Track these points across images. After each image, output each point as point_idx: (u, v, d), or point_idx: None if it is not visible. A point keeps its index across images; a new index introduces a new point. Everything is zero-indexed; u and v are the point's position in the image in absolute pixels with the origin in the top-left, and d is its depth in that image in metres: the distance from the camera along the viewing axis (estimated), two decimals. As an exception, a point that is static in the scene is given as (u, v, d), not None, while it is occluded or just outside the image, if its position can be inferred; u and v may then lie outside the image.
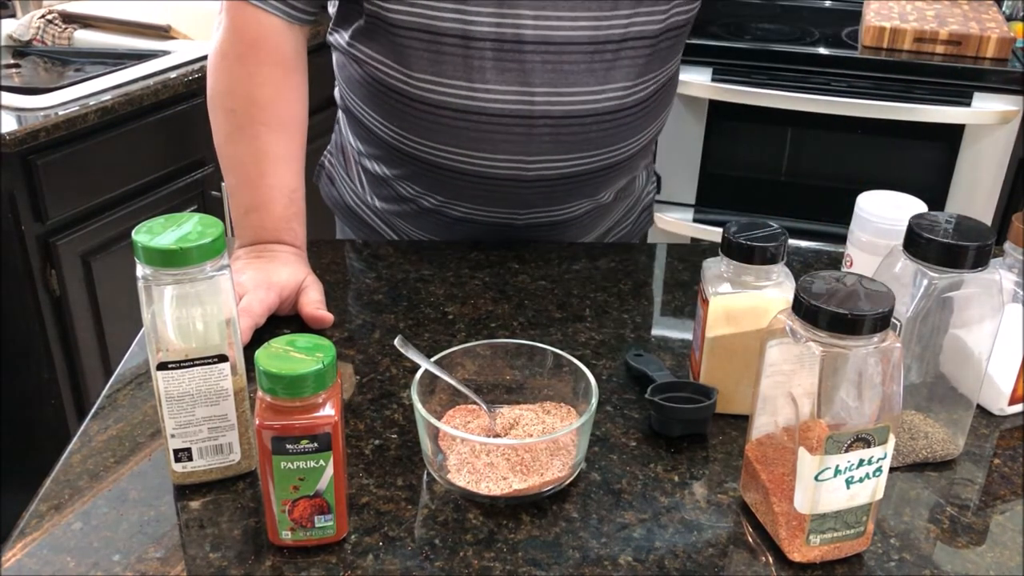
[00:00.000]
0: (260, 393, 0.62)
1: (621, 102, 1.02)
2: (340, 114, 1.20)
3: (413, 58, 0.98)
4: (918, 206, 0.86)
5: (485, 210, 1.09)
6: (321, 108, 1.23)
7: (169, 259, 0.64)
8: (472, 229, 1.12)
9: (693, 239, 2.35)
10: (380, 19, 0.98)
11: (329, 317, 0.93)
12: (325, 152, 1.26)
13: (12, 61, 2.02)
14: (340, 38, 1.06)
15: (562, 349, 0.79)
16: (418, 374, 0.75)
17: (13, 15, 2.18)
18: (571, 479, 0.73)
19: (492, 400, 0.80)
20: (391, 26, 0.97)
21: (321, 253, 1.08)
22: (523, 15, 0.95)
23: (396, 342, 0.78)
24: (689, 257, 1.13)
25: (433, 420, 0.71)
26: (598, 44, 0.98)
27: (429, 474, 0.74)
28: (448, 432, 0.73)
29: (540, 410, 0.79)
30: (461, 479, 0.71)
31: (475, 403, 0.78)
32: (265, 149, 0.97)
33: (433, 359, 0.77)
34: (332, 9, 1.07)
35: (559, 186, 1.06)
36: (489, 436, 0.76)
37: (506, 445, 0.73)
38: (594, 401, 0.72)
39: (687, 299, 1.02)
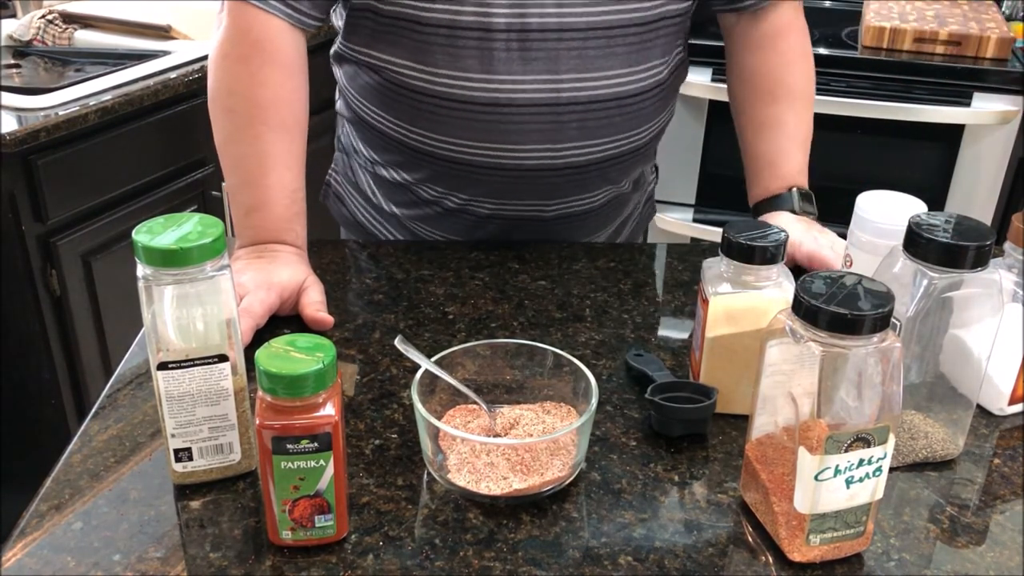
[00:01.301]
0: (260, 393, 0.62)
1: (642, 84, 1.05)
2: (346, 128, 1.20)
3: (438, 55, 0.99)
4: (918, 206, 0.86)
5: (514, 204, 1.09)
6: (320, 110, 1.23)
7: (169, 259, 0.64)
8: (500, 226, 1.12)
9: (693, 239, 2.34)
10: (404, 19, 0.98)
11: (329, 319, 0.93)
12: (329, 171, 1.27)
13: (12, 61, 2.02)
14: (353, 48, 1.06)
15: (562, 349, 0.79)
16: (418, 374, 0.75)
17: (13, 15, 2.18)
18: (571, 479, 0.73)
19: (492, 400, 0.80)
20: (416, 24, 0.98)
21: (321, 253, 1.08)
22: (545, 3, 0.96)
23: (396, 342, 0.78)
24: (689, 257, 1.13)
25: (433, 420, 0.71)
26: (621, 28, 1.00)
27: (429, 474, 0.74)
28: (448, 432, 0.73)
29: (540, 410, 0.79)
30: (461, 479, 0.71)
31: (475, 403, 0.78)
32: (267, 149, 0.97)
33: (433, 359, 0.77)
34: (340, 22, 1.07)
35: (586, 173, 1.08)
36: (489, 436, 0.76)
37: (506, 445, 0.73)
38: (594, 401, 0.72)
39: (687, 299, 1.02)
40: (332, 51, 1.13)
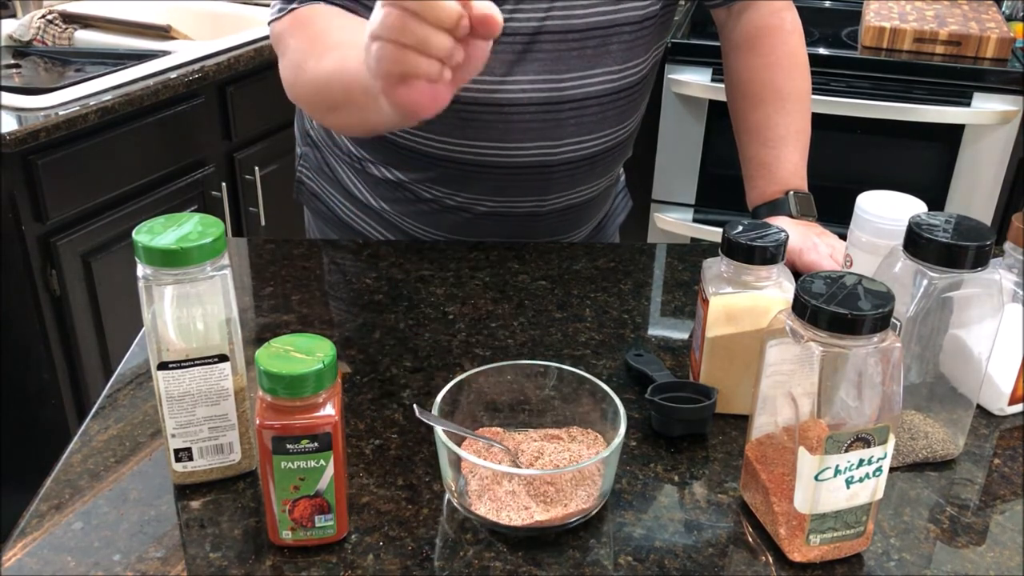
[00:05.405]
0: (260, 393, 0.62)
1: (633, 79, 1.07)
2: (317, 124, 1.17)
3: None
4: (918, 206, 0.86)
5: (512, 201, 1.10)
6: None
7: (169, 259, 0.64)
8: (497, 223, 1.12)
9: (693, 239, 2.35)
10: None
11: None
12: (298, 168, 1.24)
13: (12, 61, 2.02)
14: None
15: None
16: (437, 398, 0.72)
17: (13, 15, 2.18)
18: (596, 510, 0.70)
19: (514, 423, 0.77)
20: None
21: (321, 253, 1.08)
22: (553, 6, 0.98)
23: (416, 410, 0.73)
24: (689, 257, 1.13)
25: (457, 449, 0.68)
26: (617, 27, 1.02)
27: (449, 503, 0.71)
28: (470, 461, 0.69)
29: (565, 436, 0.76)
30: (482, 507, 0.68)
31: (497, 426, 0.76)
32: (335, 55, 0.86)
33: (456, 379, 0.73)
34: None
35: (581, 167, 1.09)
36: (511, 464, 0.73)
37: (529, 474, 0.70)
38: (622, 429, 0.69)
39: (687, 299, 1.02)
40: None
